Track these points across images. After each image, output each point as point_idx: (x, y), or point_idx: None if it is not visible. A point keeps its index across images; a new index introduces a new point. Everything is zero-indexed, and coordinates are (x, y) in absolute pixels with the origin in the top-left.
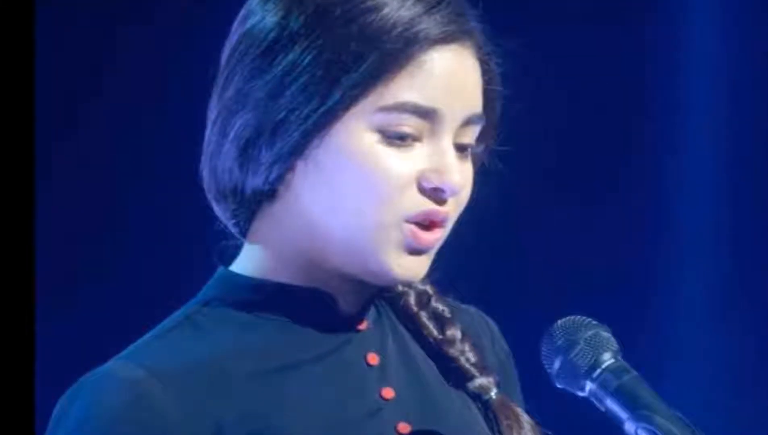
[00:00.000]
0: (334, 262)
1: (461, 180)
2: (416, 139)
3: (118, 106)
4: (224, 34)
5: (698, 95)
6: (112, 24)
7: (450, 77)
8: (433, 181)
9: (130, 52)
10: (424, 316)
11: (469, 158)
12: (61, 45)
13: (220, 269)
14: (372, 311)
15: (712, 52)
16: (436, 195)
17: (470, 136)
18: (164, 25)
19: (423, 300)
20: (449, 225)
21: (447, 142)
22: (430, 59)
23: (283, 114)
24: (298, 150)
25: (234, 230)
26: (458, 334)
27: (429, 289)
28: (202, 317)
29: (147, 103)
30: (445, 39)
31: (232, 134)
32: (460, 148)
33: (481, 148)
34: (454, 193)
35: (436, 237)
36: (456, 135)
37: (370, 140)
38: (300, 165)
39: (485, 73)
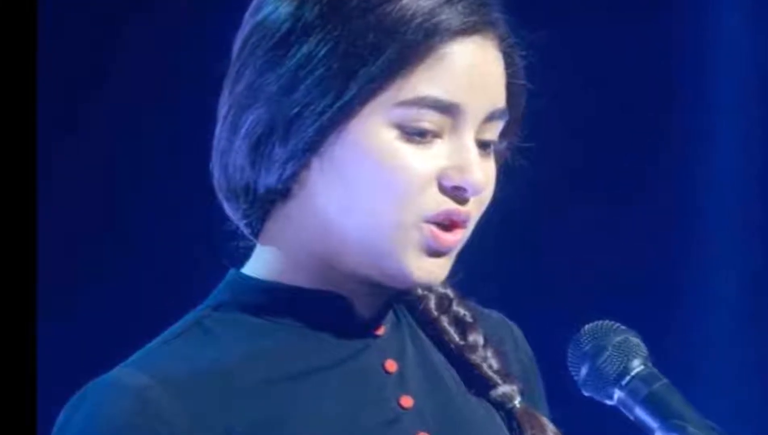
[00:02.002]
0: (350, 264)
1: (483, 178)
2: (436, 135)
3: (120, 106)
4: (229, 30)
5: (727, 92)
6: (114, 22)
7: (472, 70)
8: (455, 180)
9: (133, 50)
10: (444, 321)
11: (492, 155)
12: (63, 44)
13: (231, 272)
14: (390, 316)
15: (741, 48)
16: (458, 194)
17: (493, 132)
18: (167, 22)
19: (444, 304)
20: (471, 225)
21: (469, 139)
22: (451, 51)
23: (297, 109)
24: (312, 147)
25: (246, 231)
26: (480, 340)
27: (450, 292)
28: (212, 322)
29: (150, 102)
30: (466, 30)
31: (243, 130)
32: (483, 145)
33: (504, 144)
34: (476, 192)
35: (457, 238)
36: (478, 131)
37: (389, 136)
38: (315, 162)
39: (508, 66)
